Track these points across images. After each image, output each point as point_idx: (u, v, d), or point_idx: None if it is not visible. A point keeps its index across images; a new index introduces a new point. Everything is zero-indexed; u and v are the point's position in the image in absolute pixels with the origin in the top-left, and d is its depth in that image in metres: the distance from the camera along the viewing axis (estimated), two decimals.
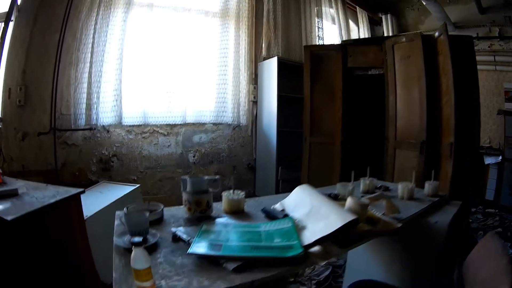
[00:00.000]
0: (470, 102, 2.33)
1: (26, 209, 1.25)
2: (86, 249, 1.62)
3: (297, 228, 0.89)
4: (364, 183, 1.50)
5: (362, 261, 1.56)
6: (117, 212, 1.00)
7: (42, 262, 1.37)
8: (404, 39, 2.60)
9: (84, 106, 2.68)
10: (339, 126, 2.80)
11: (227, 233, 0.89)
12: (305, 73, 3.01)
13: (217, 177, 1.12)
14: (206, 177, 1.10)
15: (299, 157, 3.14)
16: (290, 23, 3.71)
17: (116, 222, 0.98)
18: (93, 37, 2.68)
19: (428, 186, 1.47)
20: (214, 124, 3.31)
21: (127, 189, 2.20)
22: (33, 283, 1.34)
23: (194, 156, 3.23)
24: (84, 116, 2.69)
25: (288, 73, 3.23)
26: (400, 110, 2.65)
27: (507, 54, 3.97)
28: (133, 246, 0.65)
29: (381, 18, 4.68)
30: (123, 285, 0.64)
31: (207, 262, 0.74)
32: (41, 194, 1.45)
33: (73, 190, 1.52)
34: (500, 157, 3.61)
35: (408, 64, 2.55)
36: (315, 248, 0.80)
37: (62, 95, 2.67)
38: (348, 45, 2.89)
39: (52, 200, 1.37)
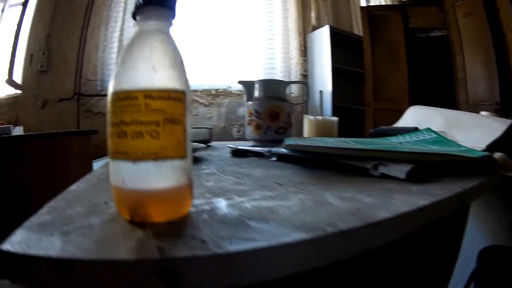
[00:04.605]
0: None
1: None
2: None
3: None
4: None
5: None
6: None
7: None
8: None
9: (113, 67, 2.36)
10: (405, 91, 2.48)
11: (342, 142, 0.53)
12: (364, 34, 2.68)
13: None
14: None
15: (357, 133, 2.87)
16: None
17: None
18: None
19: None
20: None
21: None
22: None
23: (238, 131, 2.85)
24: None
25: (340, 45, 2.83)
26: (470, 71, 2.38)
27: None
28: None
29: None
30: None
31: (327, 171, 0.38)
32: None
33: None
34: None
35: (470, 22, 2.35)
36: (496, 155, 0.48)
37: (90, 59, 2.43)
38: (407, 5, 2.57)
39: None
